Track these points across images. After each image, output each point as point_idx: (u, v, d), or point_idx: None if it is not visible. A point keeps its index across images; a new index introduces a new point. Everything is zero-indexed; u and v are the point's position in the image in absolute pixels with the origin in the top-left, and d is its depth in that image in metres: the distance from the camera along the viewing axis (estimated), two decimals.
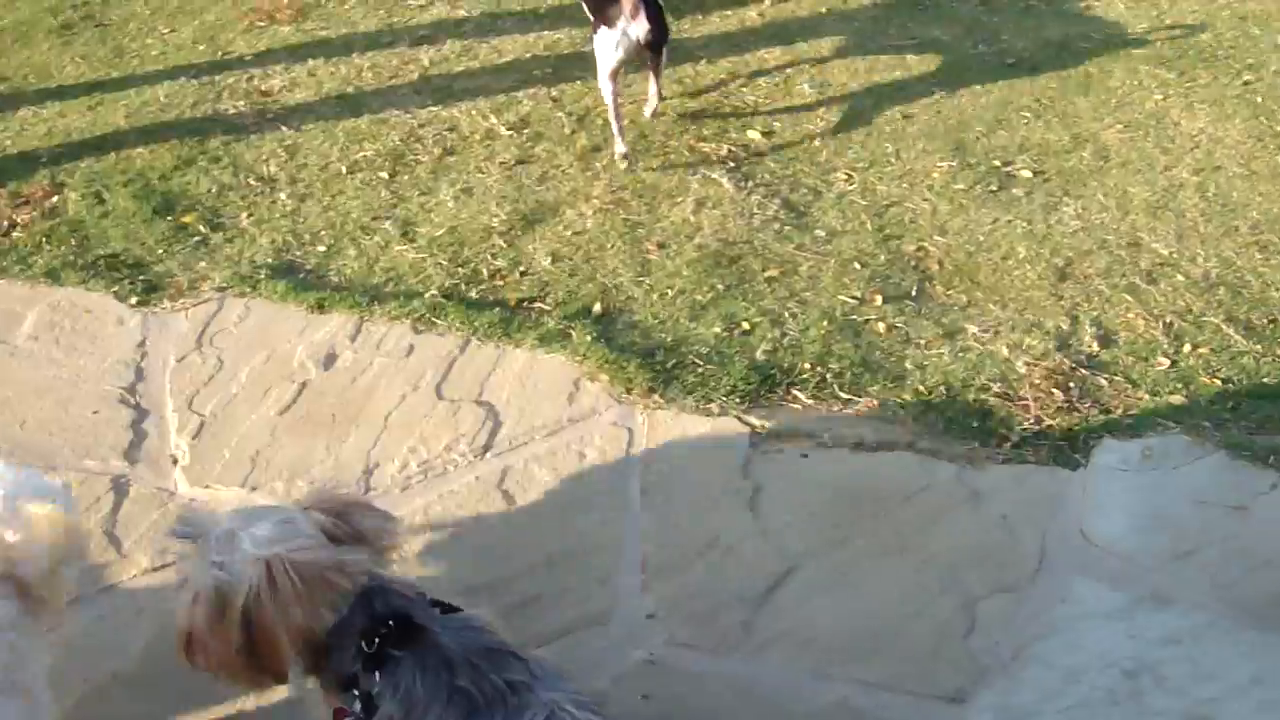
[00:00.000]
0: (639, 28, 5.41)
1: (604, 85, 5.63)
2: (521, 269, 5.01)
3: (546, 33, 6.84)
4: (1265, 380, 4.48)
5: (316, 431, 4.26)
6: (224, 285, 4.94)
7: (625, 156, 5.70)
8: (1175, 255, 5.11)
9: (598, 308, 4.78)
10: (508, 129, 5.92)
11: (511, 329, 4.65)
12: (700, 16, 7.02)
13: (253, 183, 5.59)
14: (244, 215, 5.38)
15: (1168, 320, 4.76)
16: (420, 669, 2.51)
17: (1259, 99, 6.19)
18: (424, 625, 2.58)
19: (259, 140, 5.91)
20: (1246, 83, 6.34)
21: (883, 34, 6.81)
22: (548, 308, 4.78)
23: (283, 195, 5.49)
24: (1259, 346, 4.64)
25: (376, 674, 2.54)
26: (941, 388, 4.41)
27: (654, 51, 5.72)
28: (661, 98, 6.06)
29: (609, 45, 5.50)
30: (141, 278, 5.01)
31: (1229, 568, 3.78)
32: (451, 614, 2.66)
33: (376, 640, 2.55)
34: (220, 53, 6.76)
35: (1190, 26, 6.91)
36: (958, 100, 6.18)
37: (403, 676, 2.52)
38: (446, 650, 2.53)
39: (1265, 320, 4.77)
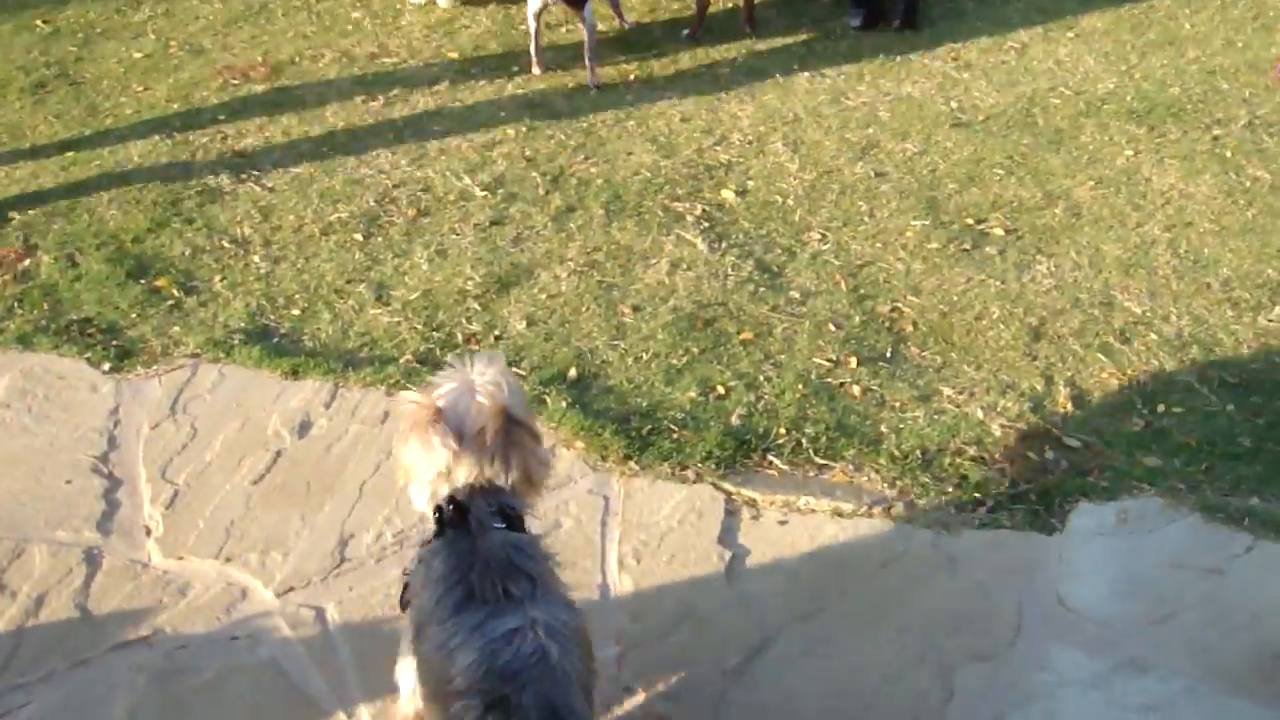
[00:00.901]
0: None
1: (530, 20, 7.01)
2: (496, 333, 5.00)
3: (519, 90, 6.86)
4: (1239, 440, 4.50)
5: (291, 501, 4.23)
6: (198, 351, 4.91)
7: (541, 68, 7.14)
8: (1148, 314, 5.14)
9: (573, 372, 4.77)
10: (482, 189, 5.92)
11: None
12: (674, 73, 7.05)
13: (226, 245, 5.57)
14: (218, 278, 5.36)
15: (1141, 380, 4.78)
16: (450, 550, 2.95)
17: (1228, 153, 6.24)
18: (472, 519, 2.98)
19: (233, 201, 5.90)
20: (1216, 137, 6.39)
21: (854, 90, 6.86)
22: (523, 372, 4.76)
23: (256, 258, 5.48)
24: (1232, 406, 4.65)
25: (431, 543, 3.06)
26: (917, 452, 4.41)
27: (572, 5, 6.90)
28: (595, 77, 7.02)
29: None
30: (115, 343, 4.98)
31: (1206, 632, 3.78)
32: (514, 530, 3.03)
33: (438, 513, 3.04)
34: (195, 111, 6.75)
35: (1159, 81, 6.98)
36: (930, 157, 6.21)
37: (439, 552, 2.98)
38: (479, 547, 2.93)
39: (1237, 379, 4.79)
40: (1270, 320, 5.10)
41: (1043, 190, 5.94)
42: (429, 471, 3.04)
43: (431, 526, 3.09)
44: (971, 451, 4.42)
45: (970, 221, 5.71)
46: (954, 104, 6.72)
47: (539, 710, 2.62)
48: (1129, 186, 5.98)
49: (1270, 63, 7.14)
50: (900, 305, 5.17)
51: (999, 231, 5.64)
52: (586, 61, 6.93)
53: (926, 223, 5.69)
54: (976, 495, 4.23)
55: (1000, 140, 6.37)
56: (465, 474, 3.03)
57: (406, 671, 3.23)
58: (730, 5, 7.80)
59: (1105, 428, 4.55)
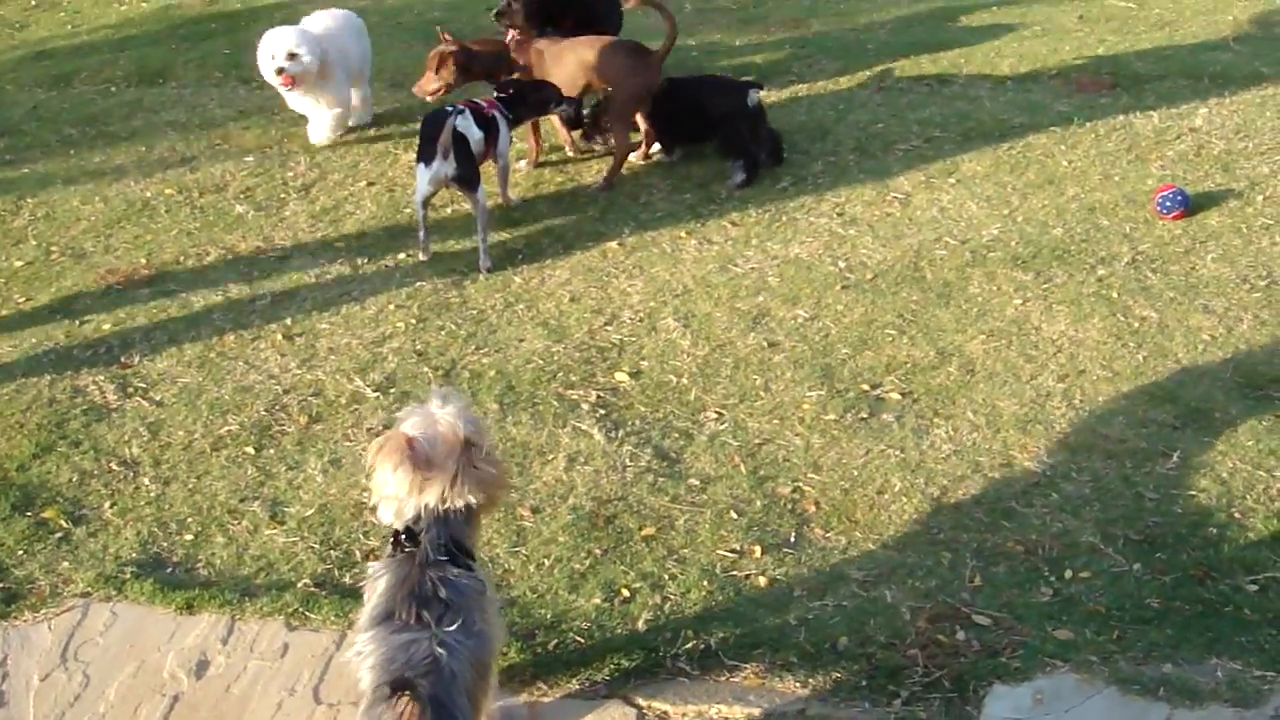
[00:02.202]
0: (448, 166, 6.77)
1: (417, 208, 7.07)
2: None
3: (408, 279, 6.81)
4: (1147, 602, 4.48)
5: None
6: (88, 589, 4.77)
7: (427, 255, 7.12)
8: (1048, 473, 5.14)
9: None
10: (374, 390, 5.85)
11: None
12: (561, 249, 7.05)
13: (115, 468, 5.45)
14: (107, 505, 5.23)
15: (1046, 545, 4.76)
16: (390, 572, 3.57)
17: (1114, 294, 6.30)
18: (420, 550, 3.56)
19: (120, 419, 5.78)
20: (1100, 278, 6.46)
21: (742, 255, 6.87)
22: None
23: (146, 480, 5.36)
24: (1138, 565, 4.65)
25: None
26: (827, 645, 4.35)
27: (464, 188, 6.98)
28: (487, 259, 6.97)
29: (424, 177, 6.90)
30: (0, 585, 4.83)
31: None
32: (455, 565, 3.57)
33: (394, 538, 3.65)
34: (78, 322, 6.63)
35: (1041, 223, 7.06)
36: (822, 322, 6.22)
37: (383, 572, 3.59)
38: (411, 574, 3.51)
39: (1141, 535, 4.79)
40: (1168, 469, 5.12)
41: (935, 348, 5.96)
42: (400, 493, 3.54)
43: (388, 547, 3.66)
44: (882, 639, 4.38)
45: (866, 387, 5.71)
46: (842, 263, 6.74)
47: (429, 701, 3.19)
48: (1020, 337, 6.02)
49: (1147, 195, 7.25)
50: (801, 484, 5.14)
51: (895, 396, 5.64)
52: (479, 244, 6.91)
53: (822, 392, 5.68)
54: (890, 687, 4.18)
55: (890, 298, 6.39)
56: (432, 495, 3.53)
57: None
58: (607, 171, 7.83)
59: (1014, 600, 4.53)
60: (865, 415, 5.53)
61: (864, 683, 4.20)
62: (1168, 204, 7.08)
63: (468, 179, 6.87)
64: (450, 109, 6.93)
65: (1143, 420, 5.42)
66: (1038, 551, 4.74)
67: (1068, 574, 4.63)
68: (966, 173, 7.71)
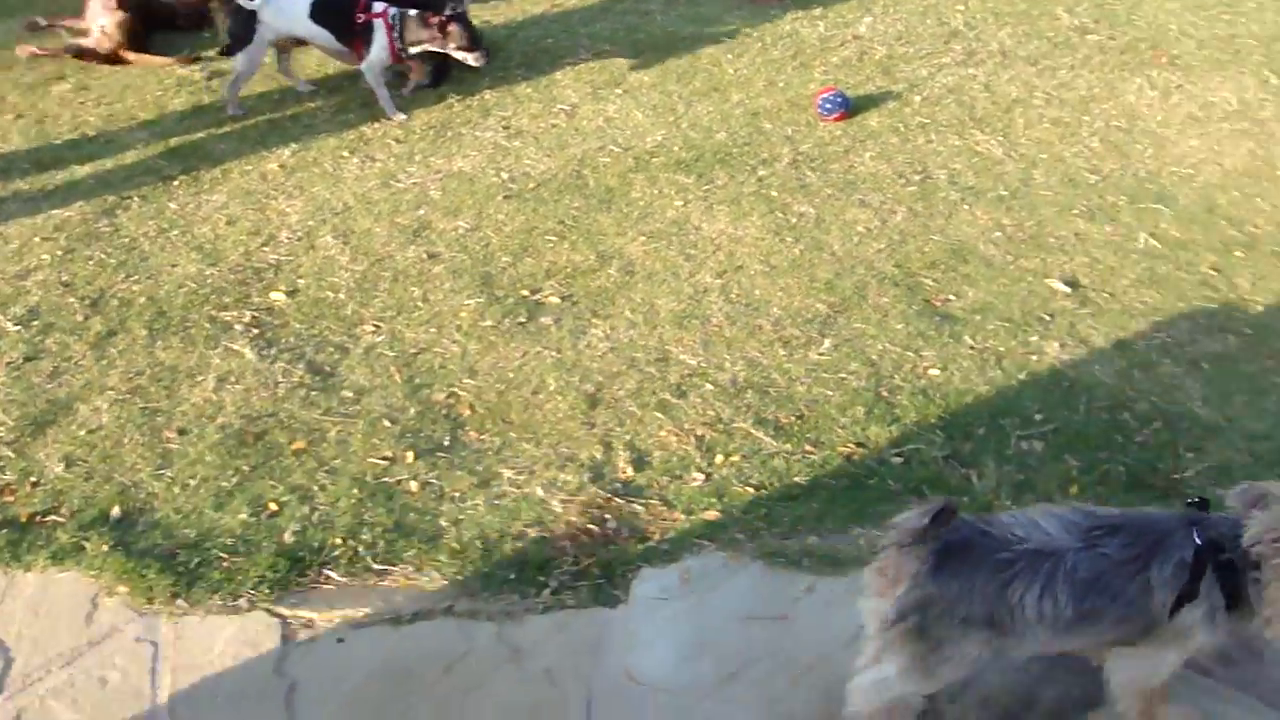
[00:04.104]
0: None
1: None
2: (32, 480, 4.66)
3: (55, 211, 6.49)
4: (795, 480, 4.58)
5: None
6: None
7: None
8: (703, 364, 5.19)
9: (116, 511, 4.49)
10: (14, 324, 5.56)
11: (21, 550, 4.32)
12: (220, 173, 6.82)
13: None
14: None
15: (699, 433, 4.82)
16: None
17: (773, 193, 6.41)
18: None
19: None
20: (761, 178, 6.56)
21: (405, 171, 6.77)
22: (62, 519, 4.46)
23: None
24: (788, 446, 4.74)
25: None
26: (477, 542, 4.32)
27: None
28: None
29: None
30: None
31: (776, 681, 3.82)
32: None
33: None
34: None
35: (705, 128, 7.13)
36: (483, 232, 6.16)
37: None
38: None
39: (792, 417, 4.88)
40: (820, 354, 5.23)
41: (596, 252, 5.96)
42: None
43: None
44: (533, 533, 4.37)
45: (525, 293, 5.68)
46: (505, 174, 6.70)
47: None
48: (680, 237, 6.06)
49: (809, 99, 7.38)
50: (457, 390, 5.09)
51: (554, 300, 5.63)
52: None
53: (481, 300, 5.63)
54: (540, 578, 4.18)
55: (552, 206, 6.37)
56: None
57: None
58: (278, 98, 7.63)
59: (665, 487, 4.57)
60: (523, 320, 5.50)
61: (513, 575, 4.19)
62: (828, 106, 7.22)
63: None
64: None
65: (797, 310, 5.52)
66: (690, 440, 4.79)
67: (719, 459, 4.69)
68: (634, 83, 7.73)
